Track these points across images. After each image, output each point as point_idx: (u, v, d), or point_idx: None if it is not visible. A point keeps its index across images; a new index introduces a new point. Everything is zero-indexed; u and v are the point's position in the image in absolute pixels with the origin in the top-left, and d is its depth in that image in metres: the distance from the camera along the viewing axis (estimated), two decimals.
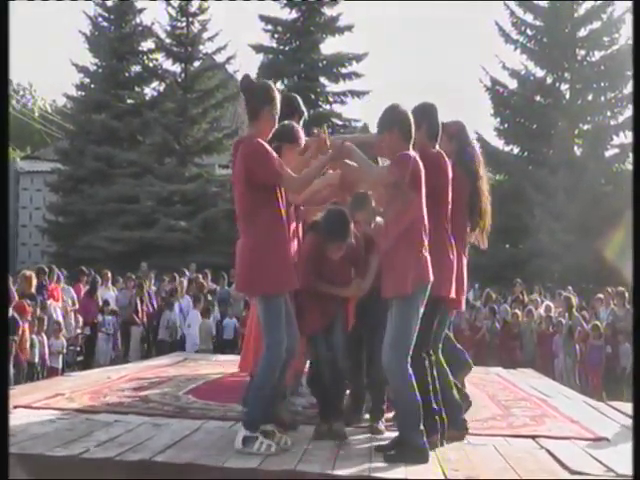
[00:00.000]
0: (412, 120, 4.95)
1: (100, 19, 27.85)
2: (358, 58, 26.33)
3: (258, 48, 26.55)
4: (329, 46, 26.88)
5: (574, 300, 14.75)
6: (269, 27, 26.68)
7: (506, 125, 25.55)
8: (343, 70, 26.59)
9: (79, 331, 14.13)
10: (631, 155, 23.62)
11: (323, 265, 5.40)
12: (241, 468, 4.41)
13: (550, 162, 24.16)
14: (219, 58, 27.83)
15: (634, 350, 5.64)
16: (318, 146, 5.32)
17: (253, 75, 21.44)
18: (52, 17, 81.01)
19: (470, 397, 6.16)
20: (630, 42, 23.32)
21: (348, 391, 5.81)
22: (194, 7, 27.28)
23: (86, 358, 14.21)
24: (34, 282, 12.09)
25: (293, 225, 5.32)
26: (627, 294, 14.10)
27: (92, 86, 27.98)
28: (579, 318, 13.94)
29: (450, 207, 5.22)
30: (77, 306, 14.41)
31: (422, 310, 4.88)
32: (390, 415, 5.72)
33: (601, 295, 15.15)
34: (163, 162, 26.58)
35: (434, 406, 5.07)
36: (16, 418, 5.33)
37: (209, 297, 15.87)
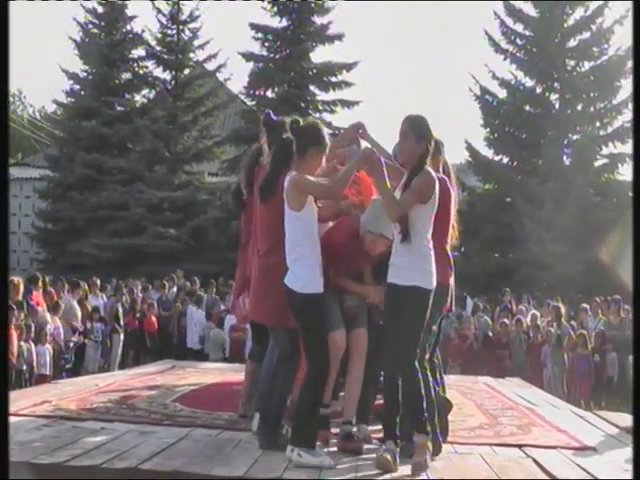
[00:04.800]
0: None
1: (90, 26, 27.87)
2: (348, 67, 26.30)
3: (248, 56, 26.50)
4: (319, 55, 26.87)
5: (563, 309, 14.77)
6: (259, 35, 26.62)
7: (496, 134, 25.53)
8: (333, 79, 26.56)
9: (74, 339, 14.04)
10: (619, 165, 23.80)
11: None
12: (228, 477, 4.41)
13: (539, 172, 24.22)
14: (209, 66, 27.93)
15: (634, 354, 5.66)
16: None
17: (243, 83, 20.99)
18: (41, 23, 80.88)
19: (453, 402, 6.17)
20: (620, 53, 23.60)
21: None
22: (185, 15, 27.38)
23: (75, 365, 14.13)
24: (21, 289, 12.02)
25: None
26: (612, 303, 14.18)
27: (82, 93, 27.99)
28: (568, 327, 13.96)
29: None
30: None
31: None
32: None
33: (586, 305, 15.14)
34: (153, 169, 26.51)
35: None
36: None
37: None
